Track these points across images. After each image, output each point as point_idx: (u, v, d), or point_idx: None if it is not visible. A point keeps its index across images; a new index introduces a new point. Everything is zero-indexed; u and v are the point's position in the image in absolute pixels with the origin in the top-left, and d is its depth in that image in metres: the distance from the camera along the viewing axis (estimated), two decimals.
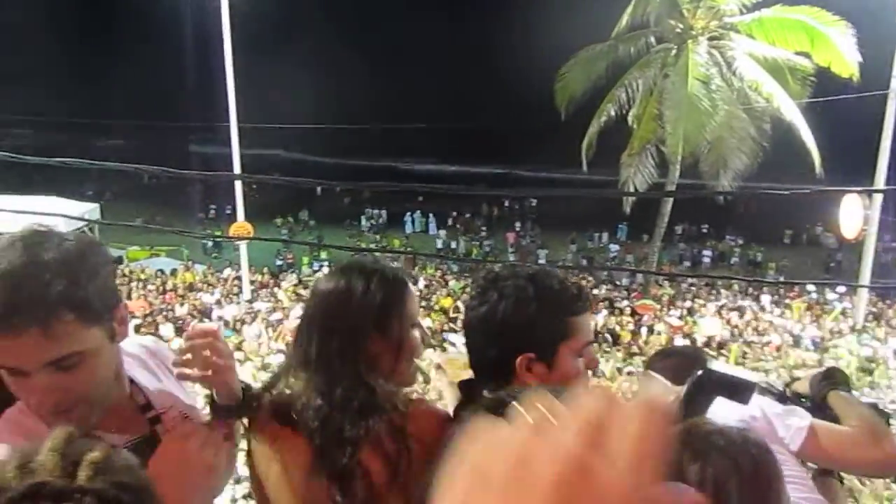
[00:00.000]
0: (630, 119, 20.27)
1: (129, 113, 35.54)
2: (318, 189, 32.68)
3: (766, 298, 20.18)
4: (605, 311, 18.70)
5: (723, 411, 1.74)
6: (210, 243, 27.98)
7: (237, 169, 18.36)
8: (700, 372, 1.76)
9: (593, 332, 1.74)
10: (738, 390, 1.79)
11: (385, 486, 1.61)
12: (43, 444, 0.87)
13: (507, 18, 33.42)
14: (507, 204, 35.52)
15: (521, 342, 1.59)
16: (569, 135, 20.48)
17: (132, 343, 1.68)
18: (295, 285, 20.78)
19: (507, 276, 1.66)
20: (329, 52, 38.20)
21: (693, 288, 20.76)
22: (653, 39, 20.22)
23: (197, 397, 1.82)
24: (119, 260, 23.40)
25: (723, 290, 20.79)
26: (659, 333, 17.04)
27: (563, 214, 31.72)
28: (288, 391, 1.69)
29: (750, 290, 20.85)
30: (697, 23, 19.44)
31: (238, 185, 18.61)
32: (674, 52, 19.71)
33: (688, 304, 19.47)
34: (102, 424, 1.42)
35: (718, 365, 1.86)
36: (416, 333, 1.78)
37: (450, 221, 33.87)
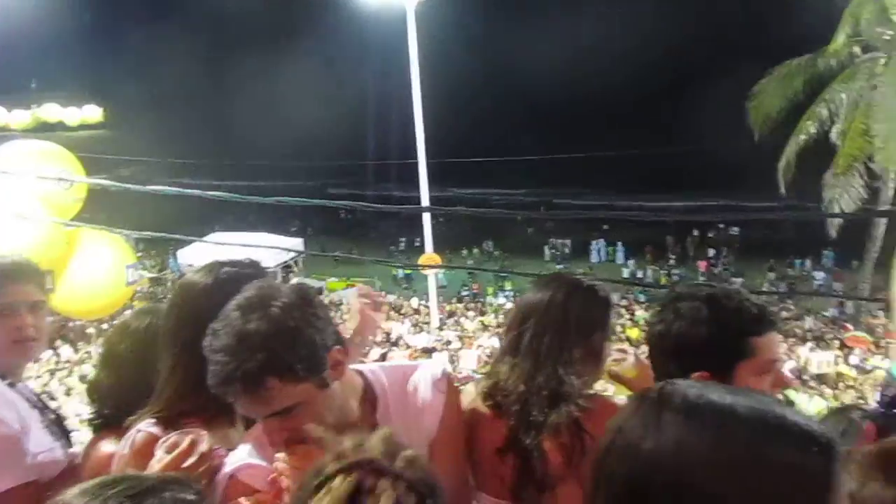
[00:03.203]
0: (834, 136, 18.79)
1: (323, 154, 38.09)
2: (519, 217, 33.30)
3: None
4: (809, 345, 17.34)
5: None
6: (401, 274, 29.31)
7: (425, 203, 19.20)
8: None
9: (779, 352, 1.71)
10: None
11: (560, 472, 1.82)
12: (371, 434, 1.17)
13: (692, 37, 32.25)
14: (696, 232, 34.05)
15: (696, 361, 1.61)
16: (763, 156, 19.36)
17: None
18: (481, 315, 21.22)
19: (685, 297, 1.70)
20: (504, 88, 38.90)
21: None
22: (857, 50, 18.69)
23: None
24: (320, 290, 25.22)
25: None
26: (874, 370, 15.41)
27: (760, 241, 29.89)
28: (497, 378, 1.96)
29: None
30: None
31: (427, 218, 19.44)
32: (883, 61, 18.10)
33: None
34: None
35: None
36: (609, 345, 2.05)
37: (637, 251, 32.97)
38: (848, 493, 1.10)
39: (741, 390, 0.93)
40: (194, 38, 44.46)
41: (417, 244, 26.71)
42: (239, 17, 43.79)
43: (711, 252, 32.50)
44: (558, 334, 1.92)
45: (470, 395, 2.01)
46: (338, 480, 1.07)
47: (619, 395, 2.13)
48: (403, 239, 34.41)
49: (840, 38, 18.48)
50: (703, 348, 1.62)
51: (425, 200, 19.31)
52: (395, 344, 18.83)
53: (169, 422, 1.82)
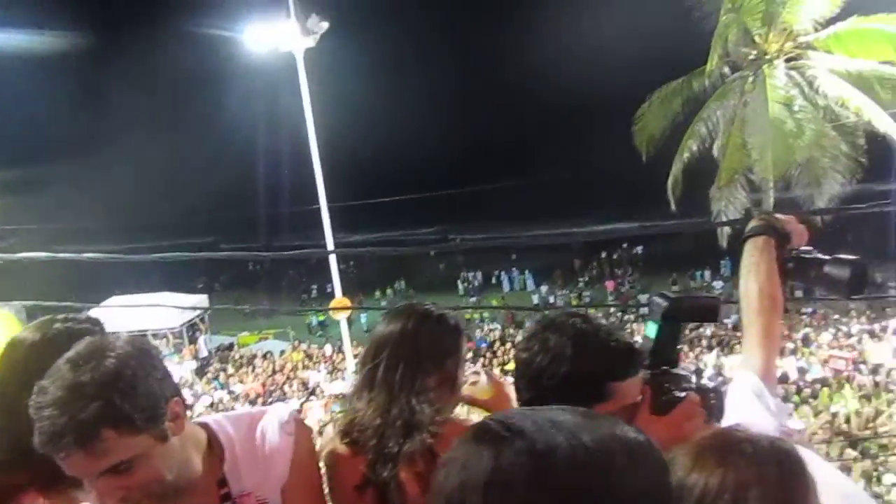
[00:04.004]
0: (715, 151, 19.84)
1: (223, 207, 37.28)
2: (433, 253, 33.65)
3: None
4: (716, 352, 18.15)
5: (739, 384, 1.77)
6: (315, 322, 28.88)
7: (331, 248, 19.03)
8: (668, 302, 1.73)
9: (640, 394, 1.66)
10: (708, 311, 1.85)
11: (418, 501, 1.80)
12: None
13: (577, 66, 33.41)
14: (603, 254, 35.17)
15: (552, 395, 1.59)
16: (653, 175, 20.23)
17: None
18: None
19: (556, 327, 1.66)
20: (400, 130, 39.22)
21: (805, 317, 19.82)
22: (727, 69, 19.89)
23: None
24: (231, 346, 24.55)
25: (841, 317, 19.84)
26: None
27: (661, 257, 31.11)
28: (354, 414, 1.93)
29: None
30: (771, 47, 19.02)
31: (333, 263, 19.29)
32: (750, 79, 19.30)
33: (802, 334, 18.58)
34: (180, 501, 1.53)
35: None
36: (462, 373, 2.06)
37: (547, 277, 33.68)
38: (676, 481, 1.16)
39: (585, 417, 0.90)
40: (76, 96, 43.03)
41: (329, 290, 26.44)
42: (122, 73, 42.66)
43: (619, 271, 33.60)
44: (411, 364, 1.92)
45: (328, 436, 1.99)
46: None
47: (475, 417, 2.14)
48: (315, 286, 34.05)
49: (714, 60, 19.62)
50: (560, 385, 1.59)
51: (330, 246, 19.18)
52: (313, 392, 18.51)
53: (1, 498, 1.69)
